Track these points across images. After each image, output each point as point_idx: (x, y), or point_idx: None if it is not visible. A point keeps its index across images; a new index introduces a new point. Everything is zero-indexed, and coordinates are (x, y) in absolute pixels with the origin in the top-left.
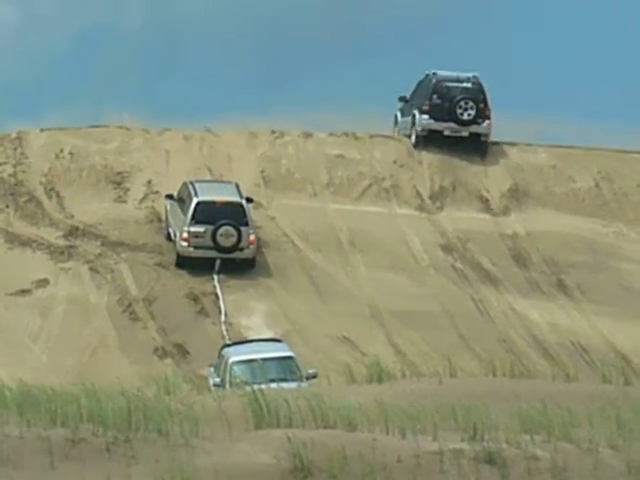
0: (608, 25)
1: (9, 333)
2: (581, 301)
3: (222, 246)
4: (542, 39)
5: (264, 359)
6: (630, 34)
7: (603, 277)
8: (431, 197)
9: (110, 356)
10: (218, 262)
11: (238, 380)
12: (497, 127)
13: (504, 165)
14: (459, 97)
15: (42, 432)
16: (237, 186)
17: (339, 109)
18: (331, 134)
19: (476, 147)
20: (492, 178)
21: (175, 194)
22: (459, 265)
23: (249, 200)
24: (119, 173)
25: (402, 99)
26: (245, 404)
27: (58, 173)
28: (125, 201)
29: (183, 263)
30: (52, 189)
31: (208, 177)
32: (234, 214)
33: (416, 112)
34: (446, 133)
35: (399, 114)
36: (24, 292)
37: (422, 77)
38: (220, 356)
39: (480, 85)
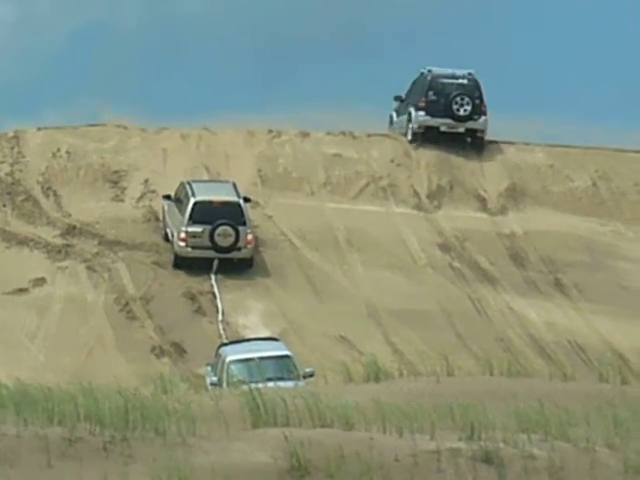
0: (606, 25)
1: (6, 332)
2: (578, 300)
3: (220, 246)
4: (540, 39)
5: (261, 358)
6: (628, 34)
7: (600, 276)
8: (428, 196)
9: (107, 355)
10: (216, 262)
11: (235, 379)
12: (495, 126)
13: (502, 164)
14: (455, 93)
15: (39, 431)
16: (234, 186)
17: (337, 108)
18: (328, 133)
19: (472, 143)
20: (489, 177)
21: (172, 194)
22: (456, 264)
23: (246, 200)
24: (116, 172)
25: (397, 98)
26: (242, 403)
27: (55, 172)
28: (122, 200)
29: (181, 263)
30: (49, 188)
31: (205, 176)
32: (232, 214)
33: (412, 109)
34: (442, 129)
35: (394, 114)
36: (21, 291)
37: (417, 76)
38: (217, 355)
39: (476, 81)
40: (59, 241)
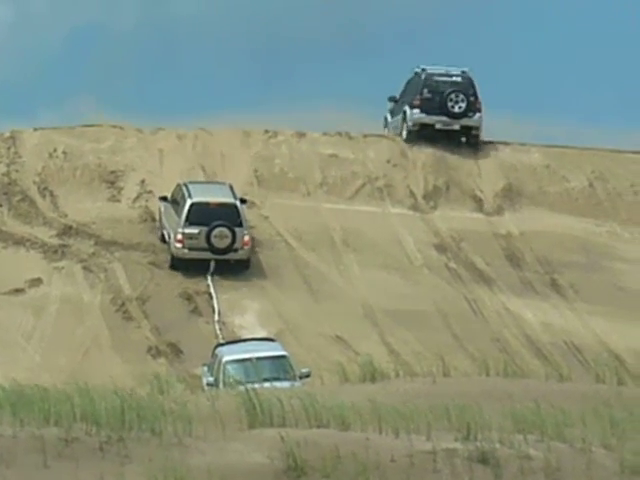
0: (603, 26)
1: (2, 332)
2: (574, 301)
3: (216, 247)
4: (537, 40)
5: (257, 358)
6: (625, 35)
7: (597, 277)
8: (425, 197)
9: (103, 355)
10: (212, 263)
11: (232, 379)
12: (491, 127)
13: (498, 165)
14: (449, 90)
15: (35, 431)
16: (231, 187)
17: (333, 109)
18: (325, 134)
19: (468, 141)
20: (486, 178)
21: (169, 196)
22: (453, 265)
23: (243, 201)
24: (113, 172)
25: (392, 99)
26: (239, 403)
27: (52, 172)
28: (119, 200)
29: (178, 265)
30: (46, 188)
31: (201, 176)
32: (228, 215)
33: (407, 108)
34: (437, 127)
35: (389, 116)
36: (17, 291)
37: (411, 76)
38: (214, 355)
39: (470, 79)
40: (55, 241)
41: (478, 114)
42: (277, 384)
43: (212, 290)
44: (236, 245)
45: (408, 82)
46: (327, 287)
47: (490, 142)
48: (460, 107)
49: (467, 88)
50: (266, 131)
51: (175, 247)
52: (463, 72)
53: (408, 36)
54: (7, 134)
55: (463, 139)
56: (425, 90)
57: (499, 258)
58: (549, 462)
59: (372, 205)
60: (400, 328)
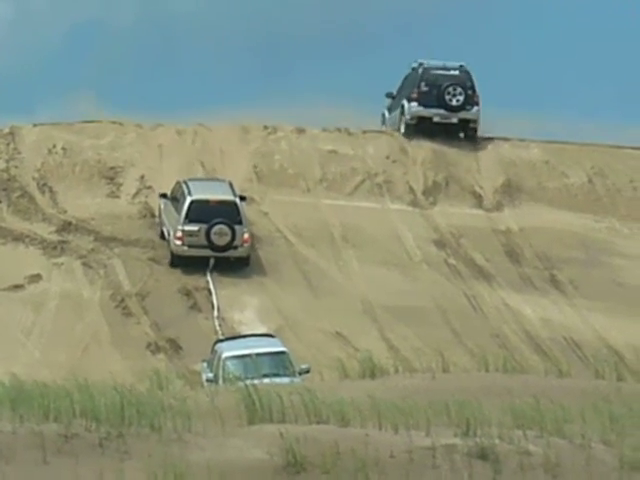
0: (602, 21)
1: (2, 328)
2: (574, 297)
3: (216, 245)
4: (536, 35)
5: (257, 354)
6: (624, 30)
7: (596, 273)
8: (424, 193)
9: (103, 351)
10: (212, 261)
11: (231, 375)
12: (490, 122)
13: (497, 160)
14: (447, 83)
15: (35, 427)
16: (231, 184)
17: (332, 105)
18: (324, 130)
19: (466, 134)
20: (485, 174)
21: (169, 193)
22: (452, 261)
23: (242, 198)
24: (112, 168)
25: (389, 95)
26: (238, 399)
27: (51, 168)
28: (118, 196)
29: (177, 262)
30: (45, 184)
31: (201, 172)
32: (228, 213)
33: (405, 102)
34: (435, 120)
35: (386, 112)
36: (17, 287)
37: (408, 71)
38: (213, 351)
39: (467, 73)
40: (55, 237)
41: (476, 107)
42: (276, 380)
43: (211, 286)
44: (236, 243)
45: (405, 78)
46: (326, 283)
47: (489, 138)
48: (458, 100)
49: (465, 81)
50: (265, 127)
51: (175, 244)
52: (461, 66)
53: (406, 32)
54: (6, 130)
55: (461, 134)
56: (423, 83)
57: (498, 254)
58: (548, 458)
59: (371, 201)
60: (399, 324)
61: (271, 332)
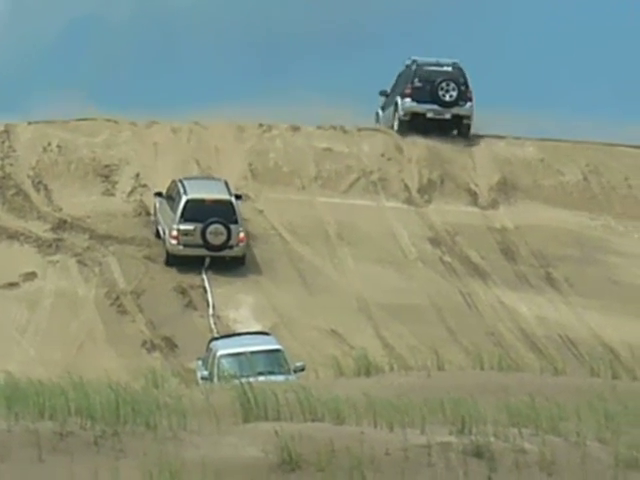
0: (596, 19)
1: None
2: (569, 294)
3: (212, 244)
4: (531, 34)
5: (252, 352)
6: (618, 27)
7: (591, 270)
8: (419, 190)
9: (98, 349)
10: (207, 260)
11: (226, 373)
12: (485, 120)
13: (492, 158)
14: (440, 79)
15: (30, 425)
16: (226, 183)
17: (325, 103)
18: (319, 127)
19: (459, 131)
20: (480, 171)
21: (164, 191)
22: (447, 258)
23: (238, 197)
24: (107, 166)
25: (383, 93)
26: (233, 397)
27: (46, 166)
28: (113, 194)
29: (173, 261)
30: (40, 182)
31: (196, 170)
32: (223, 212)
33: (398, 98)
34: (429, 115)
35: (380, 111)
36: (12, 285)
37: (401, 69)
38: (208, 349)
39: (461, 69)
40: (50, 235)
41: (469, 103)
42: (272, 378)
43: (207, 284)
44: (231, 242)
45: (399, 75)
46: (321, 281)
47: (484, 136)
48: (451, 96)
49: (458, 77)
50: (260, 125)
51: (170, 243)
52: (454, 63)
53: (402, 31)
54: (1, 128)
55: (455, 132)
56: (416, 79)
57: (494, 252)
58: (544, 456)
59: (366, 199)
60: (395, 322)
61: (266, 330)
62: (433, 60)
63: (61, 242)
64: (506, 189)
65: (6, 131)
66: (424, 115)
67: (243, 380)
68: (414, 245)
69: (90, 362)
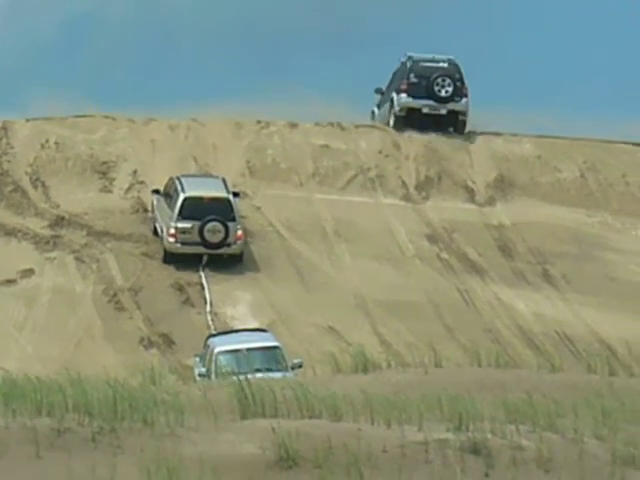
0: (594, 16)
1: None
2: (566, 291)
3: (209, 242)
4: (528, 30)
5: (249, 349)
6: (616, 25)
7: (588, 267)
8: (417, 187)
9: (96, 346)
10: (205, 258)
11: (224, 370)
12: (482, 117)
13: (489, 155)
14: (436, 75)
15: (27, 422)
16: (224, 181)
17: (325, 101)
18: (317, 124)
19: (455, 126)
20: (477, 168)
21: (162, 189)
22: (444, 255)
23: (236, 194)
24: (105, 163)
25: (378, 91)
26: (231, 394)
27: (44, 163)
28: (111, 191)
29: (170, 259)
30: (37, 179)
31: (193, 167)
32: (221, 210)
33: (394, 94)
34: (425, 111)
35: (376, 109)
36: (9, 282)
37: (397, 66)
38: (206, 346)
39: (456, 65)
40: (47, 232)
41: (465, 99)
42: (269, 375)
43: (204, 281)
44: (229, 240)
45: (394, 73)
46: (319, 278)
47: (482, 133)
48: (447, 91)
49: (453, 73)
50: (258, 122)
51: (168, 241)
52: (450, 59)
53: (401, 29)
54: None
55: (451, 129)
56: (412, 75)
57: (491, 249)
58: (541, 452)
59: (364, 196)
60: (392, 318)
61: (264, 327)
62: (429, 56)
63: (59, 239)
64: (503, 186)
65: (4, 128)
66: (420, 110)
67: (241, 377)
68: (411, 242)
69: (88, 359)
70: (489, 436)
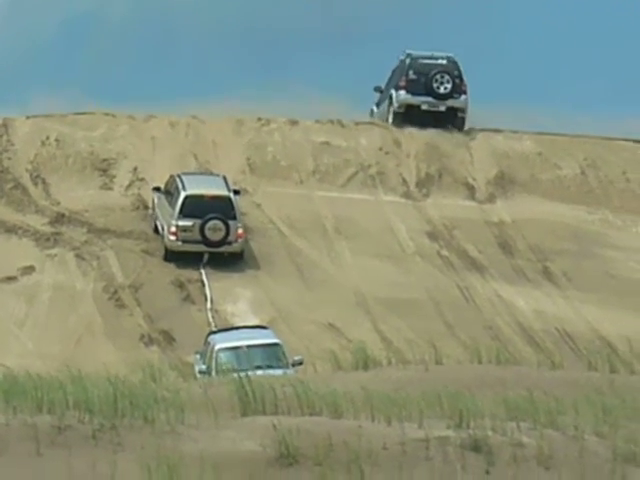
0: (594, 14)
1: None
2: (567, 288)
3: (210, 240)
4: (529, 29)
5: (250, 346)
6: (616, 22)
7: (589, 264)
8: (417, 184)
9: (96, 343)
10: (206, 256)
11: (224, 367)
12: (483, 115)
13: (490, 152)
14: (435, 71)
15: (28, 419)
16: (225, 179)
17: (326, 99)
18: (317, 121)
19: (454, 123)
20: (478, 165)
21: (162, 186)
22: (445, 252)
23: (237, 192)
24: (105, 160)
25: (377, 89)
26: (231, 391)
27: (44, 160)
28: (111, 188)
29: (171, 257)
30: (38, 176)
31: (194, 164)
32: (222, 208)
33: (393, 91)
34: (424, 108)
35: (375, 107)
36: (10, 279)
37: (396, 64)
38: (206, 343)
39: (455, 62)
40: (48, 229)
41: (464, 96)
42: (269, 372)
43: (204, 278)
44: (230, 238)
45: (393, 71)
46: (319, 275)
47: (482, 130)
48: (446, 88)
49: (452, 70)
50: (259, 119)
51: (169, 239)
52: (448, 56)
53: (400, 26)
54: None
55: (449, 126)
56: (411, 72)
57: (491, 246)
58: (542, 450)
59: (364, 193)
60: (392, 316)
61: (264, 324)
62: (427, 53)
63: (59, 236)
64: (504, 183)
65: (4, 125)
66: (419, 107)
67: (241, 374)
68: (412, 239)
69: (88, 356)
70: (490, 433)
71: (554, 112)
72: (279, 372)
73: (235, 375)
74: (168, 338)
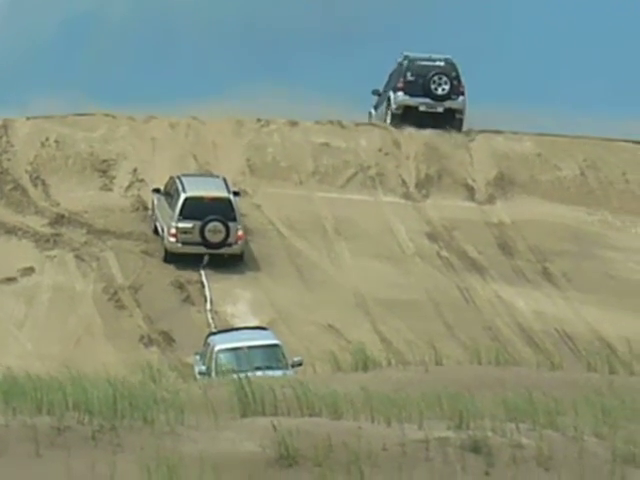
0: (594, 15)
1: None
2: (566, 289)
3: (210, 242)
4: (529, 30)
5: (250, 347)
6: (616, 23)
7: (588, 265)
8: (417, 185)
9: (96, 344)
10: (206, 258)
11: (224, 368)
12: (482, 116)
13: (490, 153)
14: (432, 73)
15: (28, 420)
16: (225, 180)
17: (326, 100)
18: (317, 122)
19: (452, 124)
20: (478, 166)
21: (162, 188)
22: (445, 253)
23: (236, 194)
24: (105, 161)
25: (375, 92)
26: (231, 392)
27: (44, 161)
28: (111, 189)
29: (171, 259)
30: (38, 177)
31: (193, 165)
32: (222, 209)
33: (391, 93)
34: (421, 109)
35: (373, 110)
36: (9, 280)
37: (394, 67)
38: (206, 344)
39: (453, 64)
40: (47, 230)
41: (461, 97)
42: (269, 373)
43: (204, 279)
44: (230, 240)
45: (391, 74)
46: (319, 276)
47: (482, 131)
48: (443, 89)
49: (450, 71)
50: (258, 120)
51: (169, 241)
52: (446, 58)
53: (400, 28)
54: None
55: (447, 127)
56: (409, 73)
57: (491, 247)
58: (541, 450)
59: (364, 194)
60: (392, 316)
61: (264, 325)
62: (425, 55)
63: (59, 237)
64: (503, 184)
65: (4, 126)
66: (417, 108)
67: (241, 375)
68: (411, 240)
69: (88, 357)
70: (489, 434)
71: (554, 113)
72: (279, 373)
73: (235, 376)
74: (168, 339)
